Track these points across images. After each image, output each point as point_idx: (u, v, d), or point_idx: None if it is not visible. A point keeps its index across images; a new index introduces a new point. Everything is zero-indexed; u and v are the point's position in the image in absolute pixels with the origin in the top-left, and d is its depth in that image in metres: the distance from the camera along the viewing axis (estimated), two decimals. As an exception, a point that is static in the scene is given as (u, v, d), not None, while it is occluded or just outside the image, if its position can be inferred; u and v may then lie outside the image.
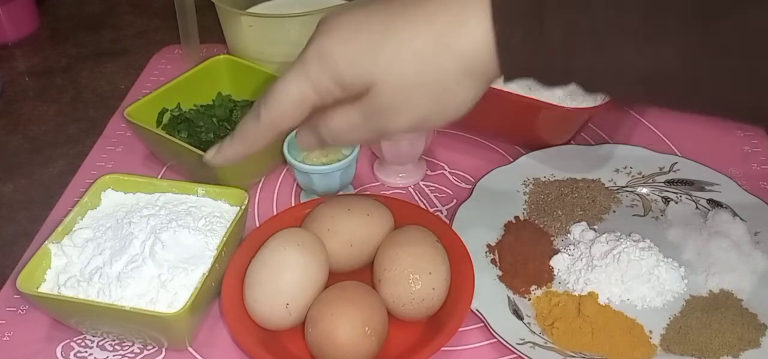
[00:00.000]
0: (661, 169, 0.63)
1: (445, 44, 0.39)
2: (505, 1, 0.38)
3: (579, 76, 0.38)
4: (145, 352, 0.51)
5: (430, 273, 0.49)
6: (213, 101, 0.70)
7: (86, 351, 0.51)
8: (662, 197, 0.61)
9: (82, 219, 0.55)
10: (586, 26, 0.36)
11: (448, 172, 0.66)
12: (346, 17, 0.41)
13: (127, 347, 0.52)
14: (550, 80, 0.39)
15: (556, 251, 0.57)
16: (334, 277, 0.51)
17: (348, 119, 0.42)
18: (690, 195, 0.61)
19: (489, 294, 0.52)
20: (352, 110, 0.42)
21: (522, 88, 0.67)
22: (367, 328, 0.46)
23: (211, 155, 0.48)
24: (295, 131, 0.62)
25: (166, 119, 0.67)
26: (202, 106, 0.69)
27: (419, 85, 0.40)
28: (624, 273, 0.53)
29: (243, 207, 0.54)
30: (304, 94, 0.42)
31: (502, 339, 0.49)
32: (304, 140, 0.46)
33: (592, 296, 0.52)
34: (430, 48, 0.39)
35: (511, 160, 0.65)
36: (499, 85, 0.67)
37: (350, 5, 0.43)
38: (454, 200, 0.63)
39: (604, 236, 0.56)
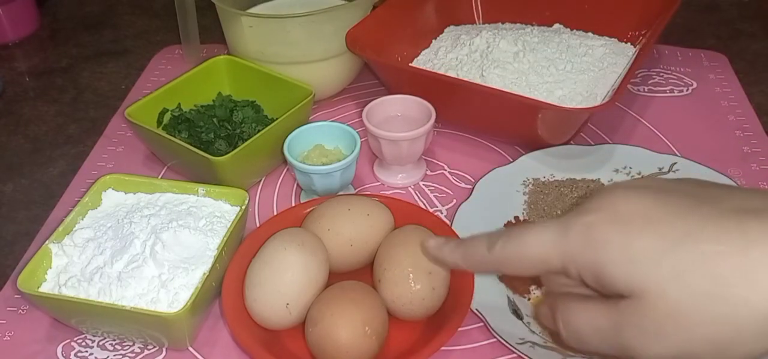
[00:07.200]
0: (660, 169, 0.63)
1: (757, 278, 0.31)
2: None
3: None
4: (146, 352, 0.51)
5: (430, 273, 0.49)
6: (213, 101, 0.70)
7: (87, 351, 0.52)
8: (662, 197, 0.61)
9: (82, 219, 0.56)
10: None
11: (448, 172, 0.66)
12: (637, 202, 0.35)
13: (127, 347, 0.52)
14: None
15: (556, 251, 0.57)
16: (334, 277, 0.51)
17: (594, 323, 0.36)
18: (689, 195, 0.61)
19: (489, 294, 0.52)
20: (601, 315, 0.35)
21: (522, 88, 0.67)
22: (367, 328, 0.46)
23: (431, 245, 0.46)
24: (297, 131, 0.62)
25: (166, 119, 0.67)
26: (202, 106, 0.69)
27: (701, 314, 0.32)
28: (624, 273, 0.53)
29: (243, 207, 0.55)
30: (549, 259, 0.37)
31: (502, 339, 0.49)
32: (542, 315, 0.41)
33: (592, 296, 0.52)
34: (736, 275, 0.31)
35: (511, 160, 0.65)
36: (499, 85, 0.67)
37: (640, 185, 0.36)
38: (454, 200, 0.63)
39: (604, 236, 0.56)
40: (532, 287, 0.54)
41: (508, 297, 0.53)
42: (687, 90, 0.77)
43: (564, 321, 0.38)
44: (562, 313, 0.38)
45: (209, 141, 0.64)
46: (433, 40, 0.79)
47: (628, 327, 0.34)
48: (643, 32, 0.75)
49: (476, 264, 0.42)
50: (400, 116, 0.65)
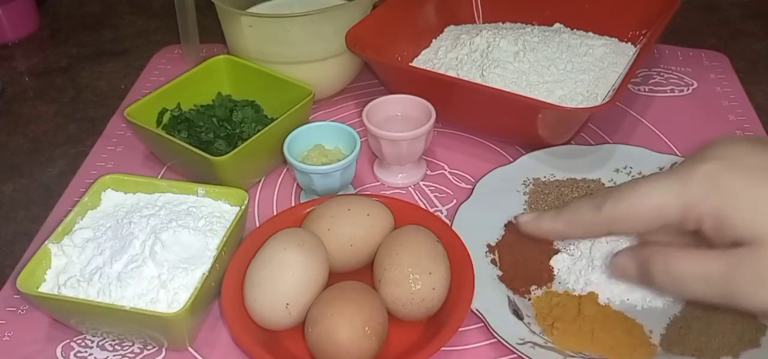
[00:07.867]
0: (661, 169, 0.63)
1: None
2: None
3: None
4: (145, 352, 0.51)
5: (430, 273, 0.49)
6: (213, 101, 0.70)
7: (86, 351, 0.51)
8: (662, 197, 0.61)
9: (82, 219, 0.55)
10: None
11: (448, 172, 0.66)
12: (754, 155, 0.36)
13: (127, 347, 0.52)
14: None
15: (556, 251, 0.57)
16: (334, 277, 0.51)
17: (703, 267, 0.36)
18: (690, 195, 0.61)
19: (489, 294, 0.52)
20: (711, 259, 0.36)
21: (522, 88, 0.67)
22: (367, 328, 0.46)
23: (526, 220, 0.44)
24: (296, 131, 0.62)
25: (166, 118, 0.67)
26: (202, 106, 0.69)
27: None
28: (624, 273, 0.53)
29: (243, 207, 0.54)
30: (667, 208, 0.37)
31: (502, 339, 0.49)
32: (621, 263, 0.41)
33: (592, 296, 0.52)
34: None
35: (511, 160, 0.65)
36: (499, 84, 0.67)
37: (754, 140, 0.38)
38: (454, 200, 0.63)
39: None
40: (533, 287, 0.54)
41: (509, 297, 0.53)
42: (687, 90, 0.77)
43: (665, 267, 0.38)
44: (666, 259, 0.38)
45: (209, 141, 0.64)
46: (433, 40, 0.79)
47: (741, 274, 0.35)
48: (643, 32, 0.75)
49: (583, 228, 0.41)
50: (400, 115, 0.65)
